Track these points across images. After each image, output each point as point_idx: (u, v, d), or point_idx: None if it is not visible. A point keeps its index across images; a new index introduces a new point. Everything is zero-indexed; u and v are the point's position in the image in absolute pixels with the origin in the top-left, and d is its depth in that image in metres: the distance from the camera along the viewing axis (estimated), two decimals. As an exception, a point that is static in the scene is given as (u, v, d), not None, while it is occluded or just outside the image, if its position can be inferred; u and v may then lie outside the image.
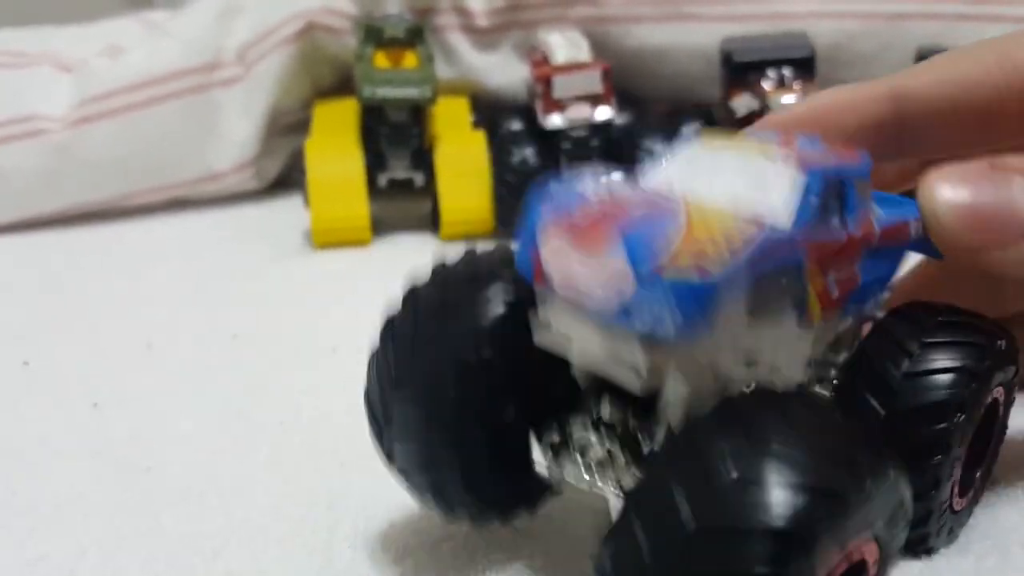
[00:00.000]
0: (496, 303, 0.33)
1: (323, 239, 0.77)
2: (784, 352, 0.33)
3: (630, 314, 0.26)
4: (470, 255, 0.36)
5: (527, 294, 0.32)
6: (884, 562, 0.29)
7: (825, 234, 0.31)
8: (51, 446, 0.47)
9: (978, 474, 0.39)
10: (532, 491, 0.37)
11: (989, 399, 0.37)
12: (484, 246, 0.37)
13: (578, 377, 0.33)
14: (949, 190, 0.35)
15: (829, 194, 0.32)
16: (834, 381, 0.38)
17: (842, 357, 0.39)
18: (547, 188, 0.30)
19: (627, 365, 0.28)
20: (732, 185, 0.31)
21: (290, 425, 0.48)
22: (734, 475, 0.25)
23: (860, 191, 0.33)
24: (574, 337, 0.30)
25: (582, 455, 0.33)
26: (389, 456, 0.36)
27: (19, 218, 0.84)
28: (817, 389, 0.37)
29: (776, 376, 0.34)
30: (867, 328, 0.38)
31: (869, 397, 0.35)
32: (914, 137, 0.37)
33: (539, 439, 0.34)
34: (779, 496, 0.24)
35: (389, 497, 0.41)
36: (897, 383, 0.34)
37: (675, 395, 0.30)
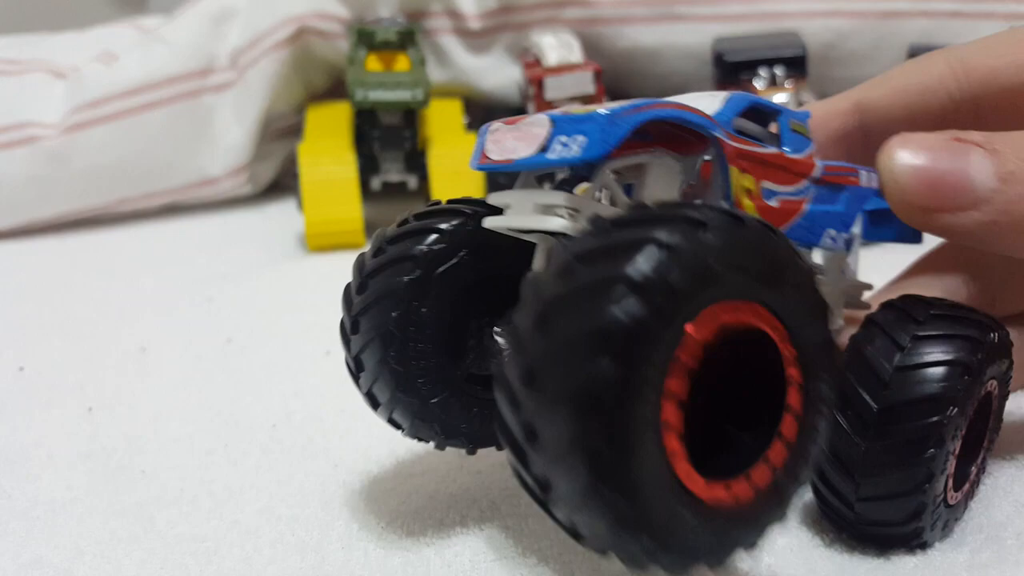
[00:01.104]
0: (421, 233, 0.37)
1: (317, 242, 0.77)
2: None
3: (545, 152, 0.31)
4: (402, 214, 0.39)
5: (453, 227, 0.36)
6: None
7: (750, 137, 0.36)
8: (46, 450, 0.47)
9: (973, 468, 0.39)
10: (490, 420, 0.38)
11: (982, 392, 0.37)
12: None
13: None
14: (908, 154, 0.36)
15: (755, 115, 0.38)
16: None
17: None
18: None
19: (553, 211, 0.32)
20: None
21: (282, 427, 0.48)
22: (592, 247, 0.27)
23: (796, 129, 0.38)
24: (511, 203, 0.34)
25: None
26: (371, 400, 0.38)
27: (13, 225, 0.84)
28: None
29: None
30: (856, 326, 0.38)
31: (861, 391, 0.35)
32: (878, 145, 0.38)
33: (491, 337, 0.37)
34: (621, 255, 0.25)
35: (381, 498, 0.41)
36: (889, 376, 0.35)
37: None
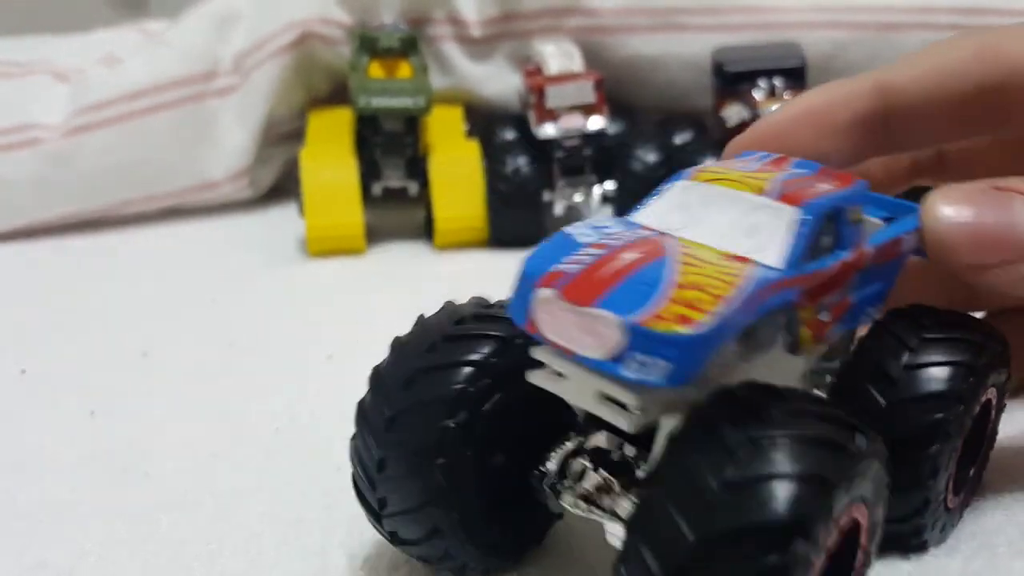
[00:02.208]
0: (459, 366, 0.33)
1: (318, 247, 0.77)
2: (775, 376, 0.33)
3: (618, 363, 0.27)
4: (423, 320, 0.35)
5: (503, 341, 0.33)
6: (873, 525, 0.30)
7: (817, 268, 0.32)
8: (49, 453, 0.48)
9: (971, 473, 0.39)
10: (538, 525, 0.37)
11: (984, 397, 0.38)
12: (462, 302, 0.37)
13: (574, 407, 0.33)
14: (952, 209, 0.35)
15: (823, 227, 0.32)
16: (827, 379, 0.38)
17: (836, 363, 0.39)
18: (545, 239, 0.31)
19: (619, 405, 0.29)
20: (725, 224, 0.31)
21: (285, 431, 0.49)
22: (722, 481, 0.26)
23: (852, 218, 0.34)
24: (567, 375, 0.30)
25: (578, 483, 0.33)
26: (392, 536, 0.36)
27: (15, 227, 0.84)
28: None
29: None
30: (864, 329, 0.39)
31: (870, 387, 0.36)
32: (900, 130, 0.38)
33: (537, 471, 0.34)
34: (767, 492, 0.25)
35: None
36: (898, 374, 0.35)
37: (670, 428, 0.30)
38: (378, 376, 0.34)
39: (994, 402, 0.39)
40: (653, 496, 0.27)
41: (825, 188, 0.33)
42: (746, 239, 0.31)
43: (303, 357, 0.58)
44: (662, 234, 0.32)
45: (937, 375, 0.35)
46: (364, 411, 0.34)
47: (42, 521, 0.42)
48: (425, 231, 0.82)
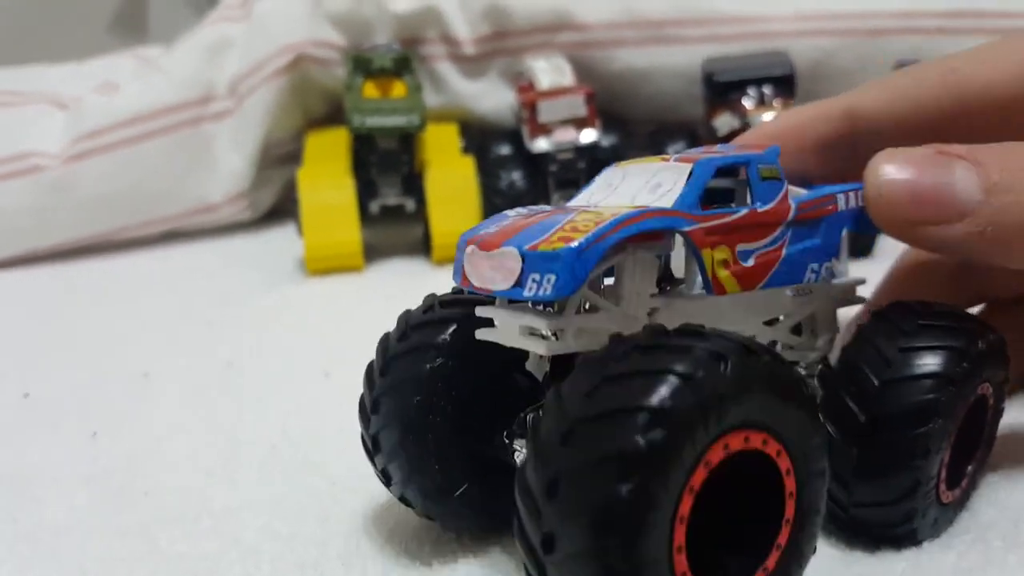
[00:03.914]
0: (444, 322, 0.38)
1: (316, 266, 0.78)
2: (714, 319, 0.37)
3: (520, 287, 0.32)
4: (429, 295, 0.40)
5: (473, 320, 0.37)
6: (801, 471, 0.31)
7: (717, 212, 0.35)
8: (51, 474, 0.48)
9: (969, 467, 0.40)
10: None
11: (972, 398, 0.38)
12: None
13: (533, 372, 0.37)
14: (894, 168, 0.37)
15: (736, 185, 0.38)
16: (819, 367, 0.40)
17: (821, 340, 0.41)
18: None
19: (536, 335, 0.33)
20: (635, 188, 0.37)
21: (281, 447, 0.49)
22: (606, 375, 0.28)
23: (765, 173, 0.37)
24: (498, 323, 0.35)
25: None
26: (384, 477, 0.38)
27: (15, 254, 0.85)
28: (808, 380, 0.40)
29: None
30: (848, 323, 0.39)
31: (850, 403, 0.36)
32: (866, 151, 0.39)
33: (504, 432, 0.37)
34: (636, 384, 0.27)
35: (379, 515, 0.42)
36: (876, 390, 0.36)
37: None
38: (384, 339, 0.39)
39: (990, 401, 0.40)
40: (554, 391, 0.30)
41: (729, 152, 0.38)
42: (649, 195, 0.36)
43: (301, 375, 0.58)
44: (582, 204, 0.37)
45: (916, 389, 0.36)
46: (369, 369, 0.39)
47: (43, 540, 0.42)
48: (423, 247, 0.83)
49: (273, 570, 0.39)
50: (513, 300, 0.34)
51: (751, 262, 0.36)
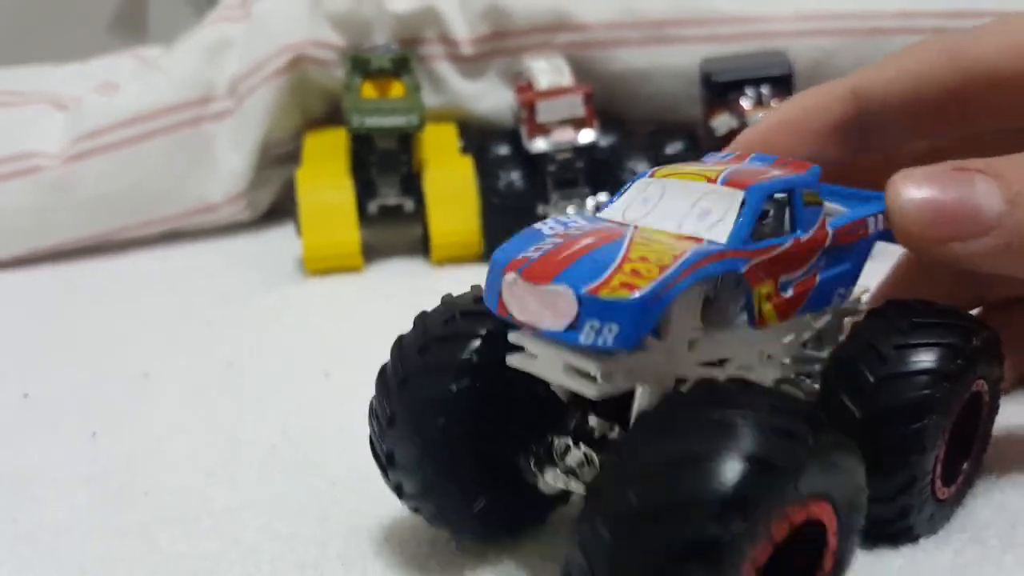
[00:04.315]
0: (468, 337, 0.36)
1: (315, 266, 0.78)
2: (748, 352, 0.37)
3: (575, 332, 0.30)
4: (447, 299, 0.39)
5: (499, 328, 0.35)
6: (844, 529, 0.31)
7: (768, 244, 0.34)
8: (51, 474, 0.48)
9: (965, 464, 0.40)
10: (536, 507, 0.39)
11: (968, 394, 0.38)
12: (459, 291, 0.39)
13: (560, 395, 0.35)
14: (914, 188, 0.37)
15: (771, 208, 0.36)
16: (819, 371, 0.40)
17: (826, 352, 0.41)
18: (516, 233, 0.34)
19: (583, 375, 0.31)
20: (679, 211, 0.34)
21: (281, 447, 0.49)
22: (671, 457, 0.27)
23: (807, 200, 0.36)
24: (538, 355, 0.33)
25: (561, 459, 0.35)
26: (398, 490, 0.38)
27: (15, 254, 0.85)
28: (806, 382, 0.40)
29: (749, 374, 0.37)
30: (849, 325, 0.40)
31: (846, 399, 0.36)
32: (875, 131, 0.39)
33: (525, 452, 0.36)
34: (708, 470, 0.26)
35: (378, 515, 0.42)
36: (871, 387, 0.36)
37: (643, 399, 0.32)
38: (399, 343, 0.38)
39: (986, 397, 0.40)
40: (608, 465, 0.29)
41: (775, 173, 0.36)
42: (698, 222, 0.33)
43: (301, 375, 0.58)
44: (622, 224, 0.34)
45: (910, 385, 0.36)
46: (383, 372, 0.38)
47: (43, 540, 0.43)
48: (422, 247, 0.83)
49: (273, 570, 0.39)
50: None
51: (790, 292, 0.36)
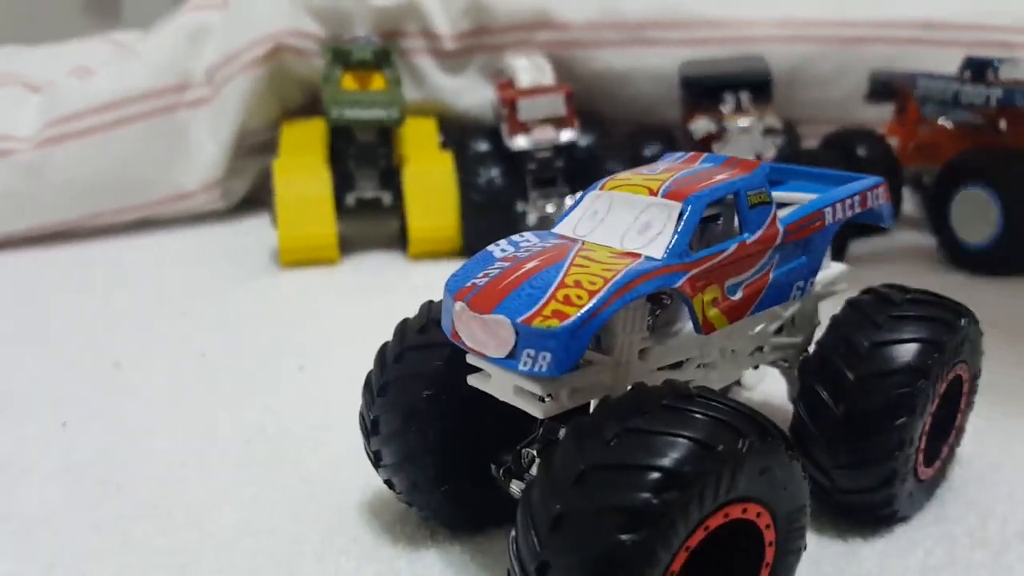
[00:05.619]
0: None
1: (290, 258, 0.78)
2: (709, 350, 0.38)
3: (514, 360, 0.31)
4: (425, 306, 0.40)
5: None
6: (780, 526, 0.31)
7: (707, 254, 0.35)
8: (21, 465, 0.48)
9: (944, 448, 0.41)
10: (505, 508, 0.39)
11: (952, 375, 0.39)
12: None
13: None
14: None
15: (721, 209, 0.37)
16: (801, 357, 0.41)
17: (800, 338, 0.43)
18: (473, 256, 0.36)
19: (531, 395, 0.33)
20: (622, 225, 0.35)
21: (256, 442, 0.49)
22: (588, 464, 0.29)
23: (754, 201, 0.37)
24: (492, 376, 0.34)
25: (527, 470, 0.36)
26: (376, 457, 0.39)
27: (-14, 238, 0.84)
28: (785, 368, 0.42)
29: (714, 372, 0.39)
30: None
31: (840, 363, 0.38)
32: None
33: (496, 463, 0.37)
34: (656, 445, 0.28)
35: (353, 510, 0.42)
36: (865, 351, 0.37)
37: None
38: (382, 351, 0.39)
39: (965, 377, 0.41)
40: (536, 475, 0.30)
41: (717, 179, 0.36)
42: (638, 236, 0.34)
43: (275, 368, 0.58)
44: (572, 240, 0.35)
45: (903, 351, 0.37)
46: (382, 353, 0.39)
47: (14, 532, 0.42)
48: (399, 241, 0.83)
49: (248, 565, 0.39)
50: None
51: (739, 295, 0.36)
